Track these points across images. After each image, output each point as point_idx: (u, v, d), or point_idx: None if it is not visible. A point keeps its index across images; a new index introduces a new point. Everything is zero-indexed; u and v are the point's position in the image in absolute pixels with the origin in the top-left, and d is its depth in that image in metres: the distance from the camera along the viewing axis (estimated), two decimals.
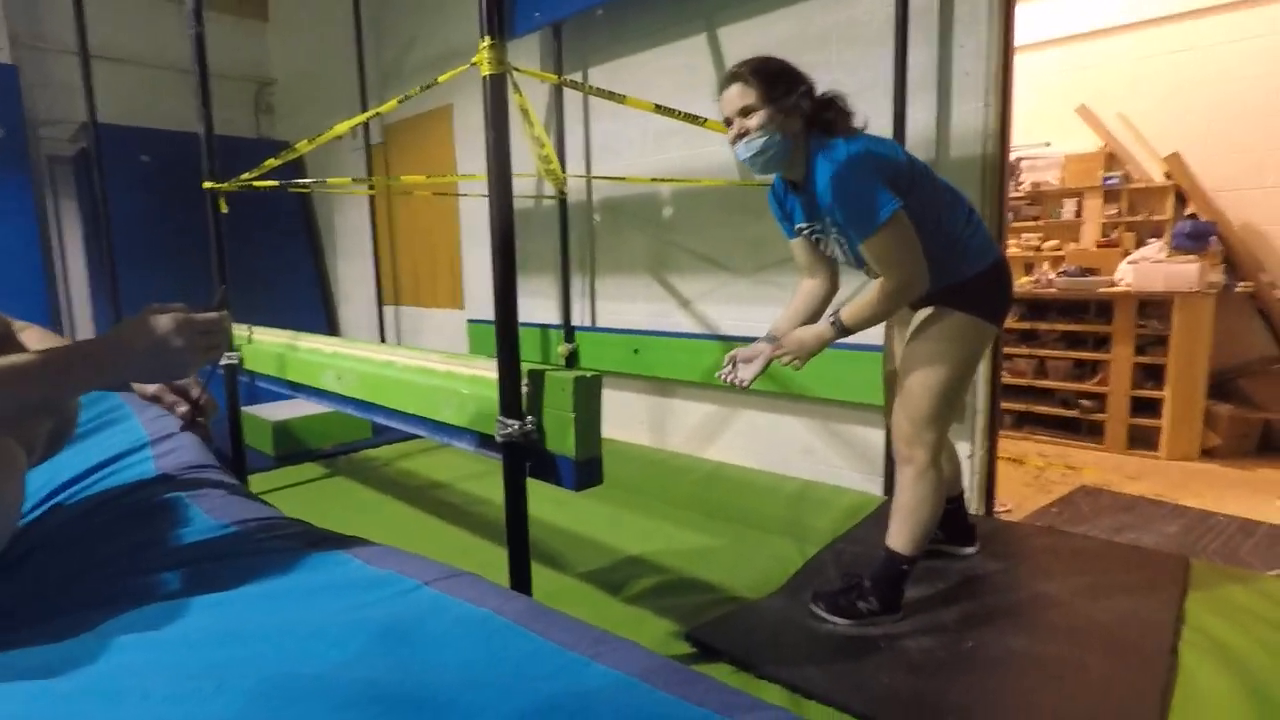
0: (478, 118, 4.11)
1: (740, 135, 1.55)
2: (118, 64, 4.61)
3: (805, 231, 1.70)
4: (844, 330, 1.58)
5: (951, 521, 1.95)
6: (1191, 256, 3.56)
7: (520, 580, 1.40)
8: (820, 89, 1.59)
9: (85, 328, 4.69)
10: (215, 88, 2.48)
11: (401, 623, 0.72)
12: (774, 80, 1.52)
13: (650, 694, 0.58)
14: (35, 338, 1.27)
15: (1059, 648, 1.52)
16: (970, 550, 1.98)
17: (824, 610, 1.68)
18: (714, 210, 2.93)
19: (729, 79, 1.56)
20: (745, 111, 1.53)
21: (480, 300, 4.09)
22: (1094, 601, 1.72)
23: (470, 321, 4.04)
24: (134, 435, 1.59)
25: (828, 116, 1.56)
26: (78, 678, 0.67)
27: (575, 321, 3.48)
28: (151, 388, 1.21)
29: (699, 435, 3.14)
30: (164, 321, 0.88)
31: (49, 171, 4.55)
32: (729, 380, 1.69)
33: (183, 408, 1.20)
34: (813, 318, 1.75)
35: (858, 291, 1.69)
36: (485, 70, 1.25)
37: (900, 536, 1.65)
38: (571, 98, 3.37)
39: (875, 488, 2.55)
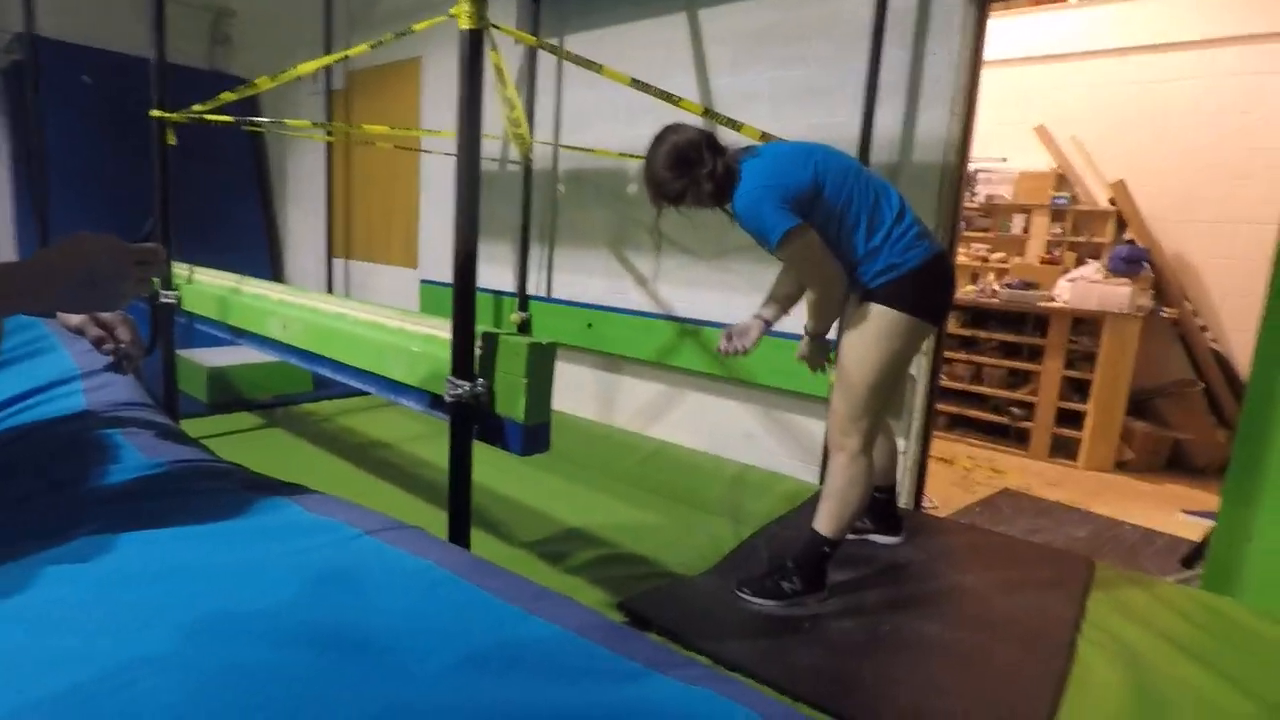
0: (447, 73, 4.01)
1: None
2: None
3: None
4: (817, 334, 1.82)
5: (881, 511, 2.04)
6: (1124, 280, 3.75)
7: (460, 542, 1.41)
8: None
9: (6, 249, 4.42)
10: (169, 13, 2.35)
11: (341, 569, 0.72)
12: (675, 194, 1.68)
13: (584, 647, 0.60)
14: None
15: (969, 635, 1.61)
16: (895, 540, 2.07)
17: (749, 594, 1.74)
18: None
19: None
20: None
21: (435, 260, 4.02)
22: (1005, 595, 1.82)
23: (424, 282, 3.97)
24: (62, 366, 1.52)
25: (731, 176, 1.65)
26: (8, 606, 0.65)
27: (530, 291, 3.45)
28: (76, 319, 1.16)
29: (645, 413, 3.17)
30: (98, 247, 0.84)
31: None
32: (729, 351, 1.82)
33: (108, 345, 1.15)
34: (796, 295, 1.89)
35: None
36: (463, 24, 1.23)
37: (825, 519, 1.72)
38: (543, 65, 3.31)
39: (812, 476, 2.63)
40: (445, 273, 3.89)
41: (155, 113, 2.28)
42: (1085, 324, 3.71)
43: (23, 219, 4.28)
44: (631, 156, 2.85)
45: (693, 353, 2.85)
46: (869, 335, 1.65)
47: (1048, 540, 2.54)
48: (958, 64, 2.32)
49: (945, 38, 2.33)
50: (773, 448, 2.78)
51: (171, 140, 2.35)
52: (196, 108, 2.27)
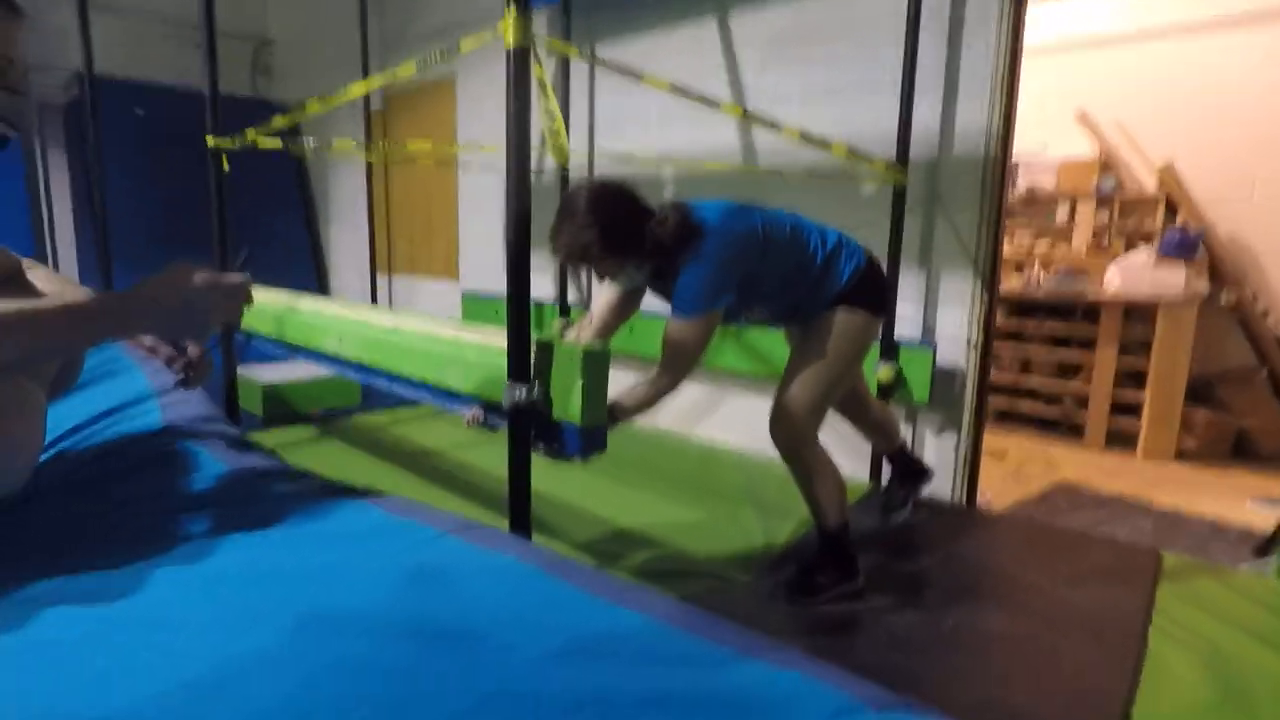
0: (481, 89, 4.08)
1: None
2: (111, 13, 4.51)
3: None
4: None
5: (905, 470, 2.20)
6: (1178, 265, 3.64)
7: None
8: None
9: (70, 275, 4.62)
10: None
11: (427, 567, 0.74)
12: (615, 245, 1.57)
13: (675, 634, 0.61)
14: (42, 277, 1.27)
15: (1035, 629, 1.58)
16: (929, 474, 2.25)
17: (789, 596, 1.74)
18: (715, 193, 2.92)
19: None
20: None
21: (476, 272, 4.09)
22: (1070, 589, 1.78)
23: (465, 293, 4.04)
24: (138, 386, 1.59)
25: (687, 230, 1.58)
26: (121, 607, 0.69)
27: (570, 299, 3.49)
28: (149, 339, 1.21)
29: (690, 415, 3.18)
30: (194, 280, 0.88)
31: (39, 119, 4.46)
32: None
33: (178, 364, 1.20)
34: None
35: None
36: (510, 42, 1.26)
37: (822, 515, 1.76)
38: (575, 74, 3.36)
39: (862, 473, 2.61)
40: (486, 284, 3.99)
41: (211, 141, 2.37)
42: (1138, 312, 3.61)
43: (84, 246, 4.48)
44: (669, 161, 2.87)
45: (735, 354, 2.85)
46: (827, 339, 1.68)
47: (1109, 533, 2.47)
48: (997, 54, 2.29)
49: (983, 28, 2.31)
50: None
51: (226, 166, 2.44)
52: (250, 133, 2.36)
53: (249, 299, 0.96)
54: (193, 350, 1.21)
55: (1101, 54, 4.38)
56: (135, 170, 4.39)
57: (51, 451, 1.34)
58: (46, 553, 0.90)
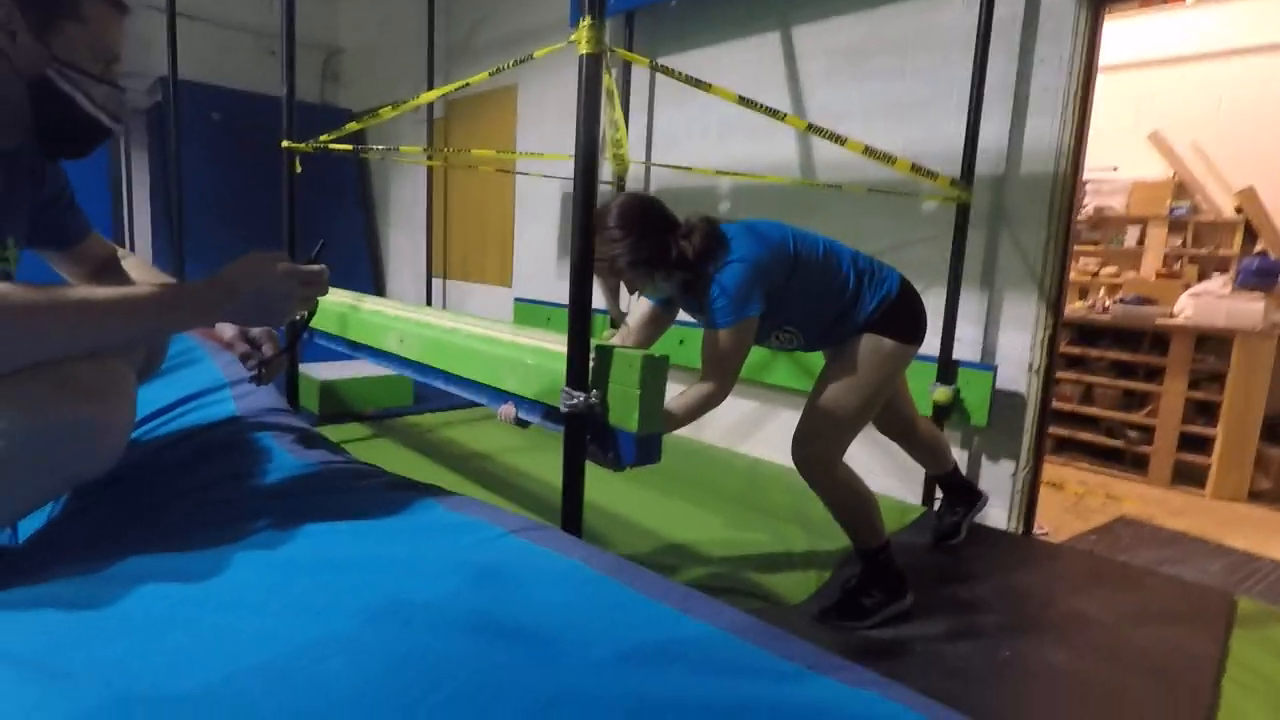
0: (541, 98, 4.14)
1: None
2: (189, 21, 4.74)
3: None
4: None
5: (957, 489, 2.16)
6: (1257, 294, 3.47)
7: None
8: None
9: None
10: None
11: (494, 565, 0.75)
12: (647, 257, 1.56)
13: (743, 646, 0.61)
14: (134, 265, 1.34)
15: (1099, 667, 1.52)
16: (984, 499, 2.18)
17: (837, 619, 1.70)
18: (773, 207, 2.93)
19: None
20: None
21: (529, 279, 4.14)
22: (1135, 627, 1.70)
23: (518, 300, 4.10)
24: (212, 376, 1.65)
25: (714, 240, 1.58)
26: (199, 588, 0.72)
27: (623, 309, 3.50)
28: (229, 333, 1.26)
29: (737, 431, 3.15)
30: (274, 268, 0.92)
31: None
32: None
33: (253, 360, 1.25)
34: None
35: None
36: (583, 49, 1.28)
37: (858, 537, 1.73)
38: (636, 85, 3.39)
39: (914, 497, 2.55)
40: (538, 291, 4.04)
41: (286, 144, 2.46)
42: (1211, 342, 3.45)
43: (159, 239, 4.70)
44: (726, 174, 2.87)
45: (785, 369, 2.82)
46: (861, 364, 1.66)
47: (1176, 573, 2.36)
48: (1069, 70, 2.23)
49: (1055, 43, 2.25)
50: (872, 469, 2.71)
51: (298, 169, 2.53)
52: (323, 138, 2.44)
53: (325, 288, 0.99)
54: (268, 347, 1.26)
55: (1177, 73, 4.23)
56: (209, 170, 4.58)
57: (135, 433, 1.40)
58: (130, 533, 0.94)
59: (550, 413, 1.50)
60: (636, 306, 1.84)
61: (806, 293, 1.65)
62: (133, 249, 4.86)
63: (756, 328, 1.61)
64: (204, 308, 0.89)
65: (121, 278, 1.28)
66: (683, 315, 1.83)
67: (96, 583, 0.76)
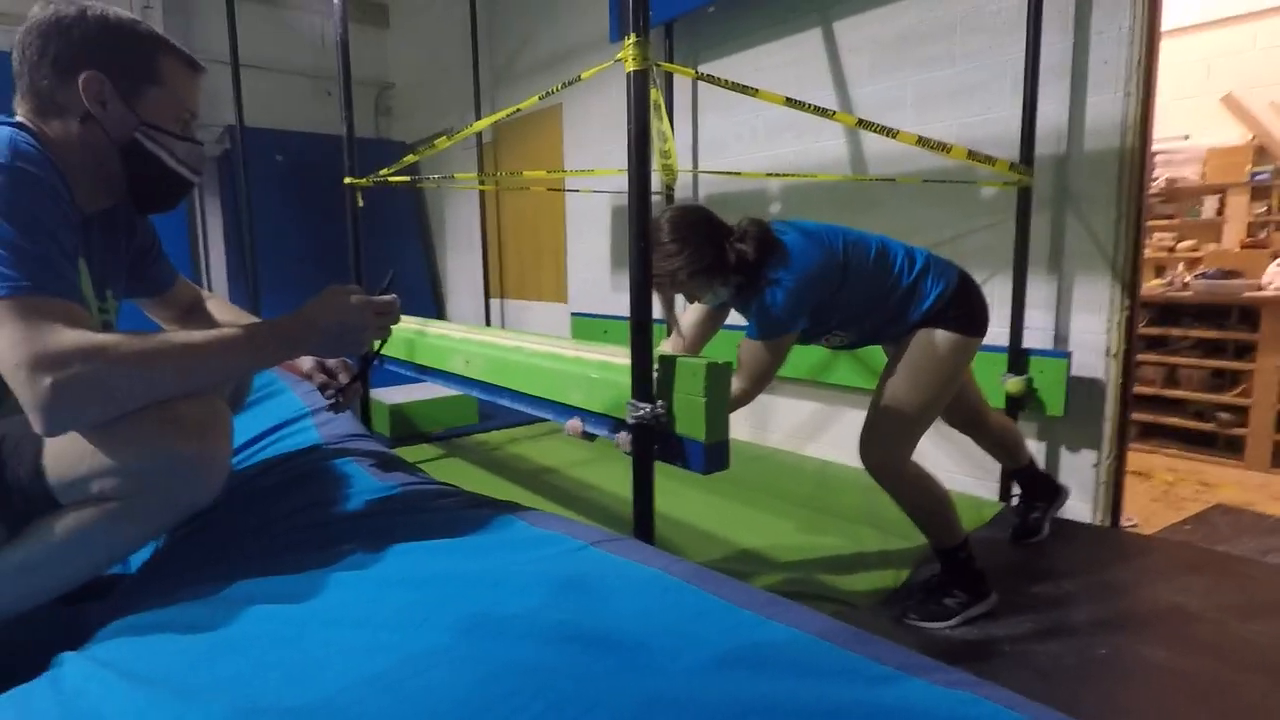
0: (586, 115, 4.20)
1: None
2: (251, 69, 5.01)
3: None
4: None
5: (1037, 486, 2.09)
6: None
7: None
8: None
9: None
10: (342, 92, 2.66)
11: (577, 577, 0.77)
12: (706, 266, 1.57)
13: (830, 650, 0.61)
14: (217, 305, 1.43)
15: (1204, 663, 1.44)
16: (1064, 493, 2.13)
17: (919, 620, 1.66)
18: (824, 206, 2.90)
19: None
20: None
21: (584, 294, 4.20)
22: (1242, 621, 1.61)
23: (574, 315, 4.15)
24: (293, 406, 1.74)
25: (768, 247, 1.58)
26: (304, 608, 0.76)
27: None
28: (308, 365, 1.33)
29: (800, 433, 3.12)
30: (350, 302, 0.97)
31: None
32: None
33: (331, 389, 1.31)
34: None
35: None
36: (630, 66, 1.30)
37: (935, 537, 1.69)
38: (679, 92, 3.41)
39: (990, 493, 2.47)
40: (594, 304, 4.09)
41: (349, 180, 2.57)
42: None
43: (234, 279, 4.96)
44: (775, 175, 2.86)
45: (848, 368, 2.77)
46: (923, 358, 1.63)
47: None
48: (1131, 40, 2.14)
49: (1113, 13, 2.17)
50: (947, 465, 2.64)
51: (360, 203, 2.64)
52: (383, 171, 2.54)
53: (397, 317, 1.04)
54: (343, 376, 1.32)
55: (1248, 30, 4.00)
56: (276, 209, 4.82)
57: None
58: (233, 558, 1.00)
59: (617, 425, 1.52)
60: (689, 310, 1.85)
61: (855, 300, 1.64)
62: (210, 288, 5.14)
63: (796, 339, 1.63)
64: (290, 343, 0.95)
65: (208, 318, 1.36)
66: (742, 320, 1.83)
67: (208, 606, 0.81)
